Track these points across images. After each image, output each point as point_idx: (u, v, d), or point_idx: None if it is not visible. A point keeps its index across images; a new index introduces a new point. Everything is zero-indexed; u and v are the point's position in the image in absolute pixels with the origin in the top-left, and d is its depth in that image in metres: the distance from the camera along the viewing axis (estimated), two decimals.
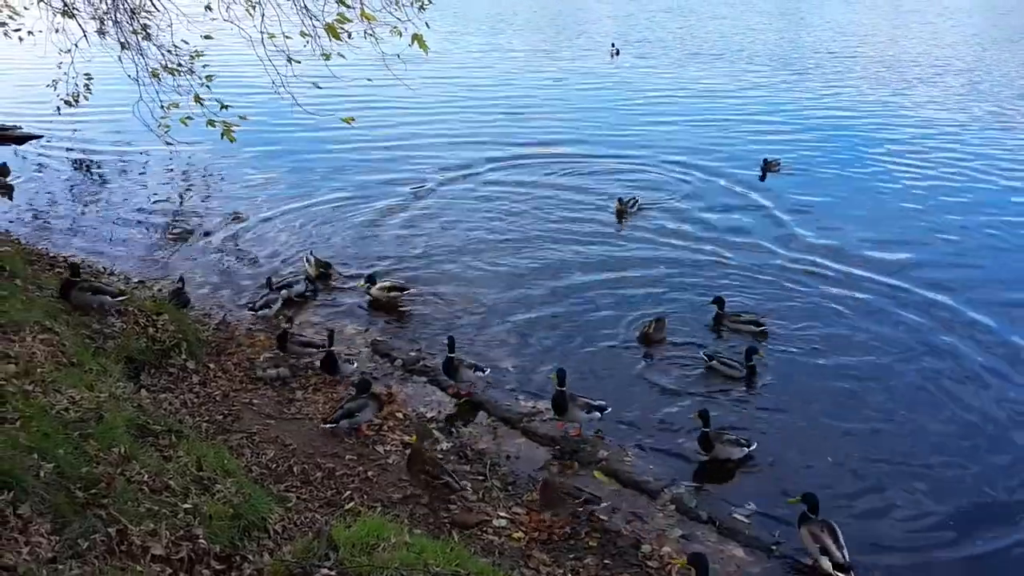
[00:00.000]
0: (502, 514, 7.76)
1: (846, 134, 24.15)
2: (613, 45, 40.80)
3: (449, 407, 9.93)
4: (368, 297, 12.56)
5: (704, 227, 16.06)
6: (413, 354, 10.98)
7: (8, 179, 17.30)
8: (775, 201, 17.62)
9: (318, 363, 10.21)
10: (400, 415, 9.54)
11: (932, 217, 16.95)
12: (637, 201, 16.60)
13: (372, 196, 17.53)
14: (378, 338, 11.49)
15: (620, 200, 16.36)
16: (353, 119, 9.48)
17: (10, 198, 16.69)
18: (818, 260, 14.42)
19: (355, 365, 10.37)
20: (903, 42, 48.76)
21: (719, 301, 11.96)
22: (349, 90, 21.62)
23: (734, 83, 32.42)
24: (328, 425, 8.76)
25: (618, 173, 19.62)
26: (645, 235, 15.63)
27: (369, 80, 15.59)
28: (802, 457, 9.18)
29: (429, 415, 9.64)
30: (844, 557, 7.26)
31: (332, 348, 10.16)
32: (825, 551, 7.30)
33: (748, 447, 8.96)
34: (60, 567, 4.42)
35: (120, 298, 10.23)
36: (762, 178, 19.07)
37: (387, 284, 12.58)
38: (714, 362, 10.68)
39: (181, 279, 12.19)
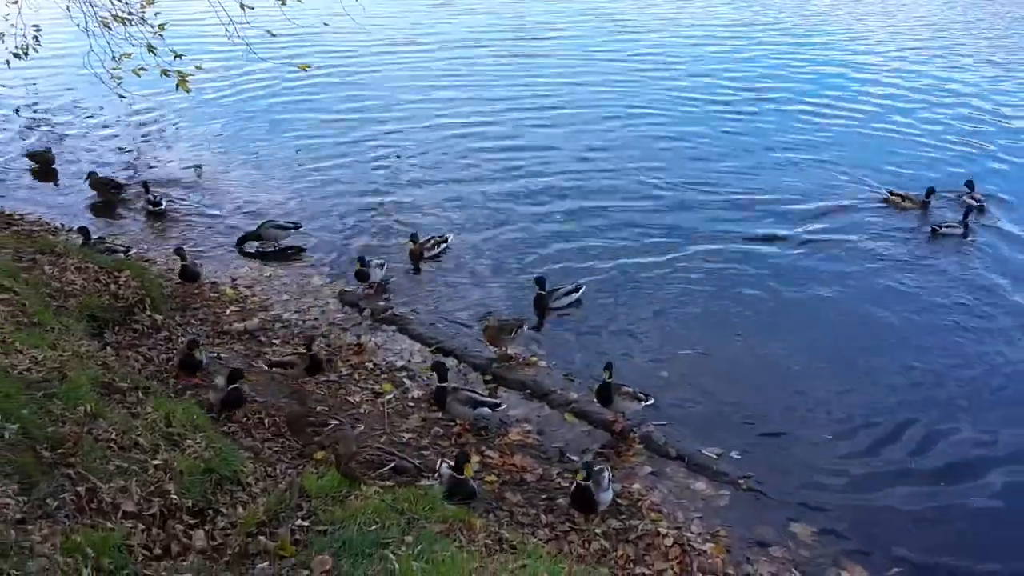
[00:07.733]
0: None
1: None
2: None
3: (418, 356, 9.93)
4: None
5: None
6: (381, 303, 10.95)
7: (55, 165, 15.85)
8: None
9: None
10: (370, 365, 9.56)
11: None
12: (445, 241, 12.57)
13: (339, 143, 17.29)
14: (345, 289, 11.44)
15: (413, 238, 12.27)
16: (308, 66, 9.31)
17: (56, 183, 15.38)
18: None
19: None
20: None
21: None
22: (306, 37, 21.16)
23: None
24: None
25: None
26: None
27: (326, 24, 15.21)
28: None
29: (399, 364, 9.66)
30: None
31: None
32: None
33: (645, 401, 8.60)
34: (29, 527, 4.40)
35: (501, 407, 8.56)
36: None
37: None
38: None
39: (180, 250, 11.24)
